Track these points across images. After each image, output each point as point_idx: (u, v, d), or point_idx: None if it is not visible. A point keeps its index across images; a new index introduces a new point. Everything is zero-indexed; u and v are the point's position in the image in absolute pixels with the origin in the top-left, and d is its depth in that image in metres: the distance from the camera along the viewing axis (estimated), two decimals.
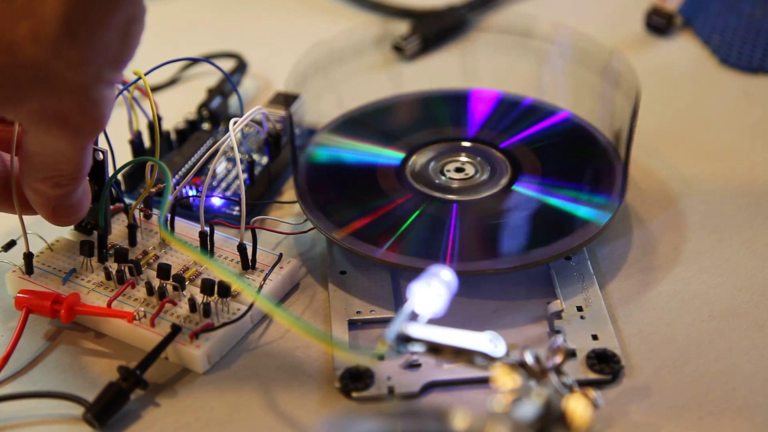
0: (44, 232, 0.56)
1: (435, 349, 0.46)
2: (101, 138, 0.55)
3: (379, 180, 0.59)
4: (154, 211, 0.58)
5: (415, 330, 0.46)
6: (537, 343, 0.51)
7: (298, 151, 0.61)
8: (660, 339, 0.52)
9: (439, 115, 0.64)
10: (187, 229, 0.58)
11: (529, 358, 0.46)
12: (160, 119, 0.61)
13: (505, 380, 0.45)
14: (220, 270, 0.48)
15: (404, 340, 0.45)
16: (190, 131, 0.65)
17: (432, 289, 0.47)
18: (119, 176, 0.58)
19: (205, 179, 0.56)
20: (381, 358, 0.50)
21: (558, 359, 0.46)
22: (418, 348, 0.46)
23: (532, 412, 0.43)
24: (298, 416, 0.49)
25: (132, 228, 0.56)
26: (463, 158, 0.60)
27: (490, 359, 0.46)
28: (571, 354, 0.50)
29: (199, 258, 0.54)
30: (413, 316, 0.47)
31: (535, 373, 0.45)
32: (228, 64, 0.71)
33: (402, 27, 0.76)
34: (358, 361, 0.50)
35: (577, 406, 0.44)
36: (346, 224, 0.56)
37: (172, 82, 0.72)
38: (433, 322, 0.48)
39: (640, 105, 0.57)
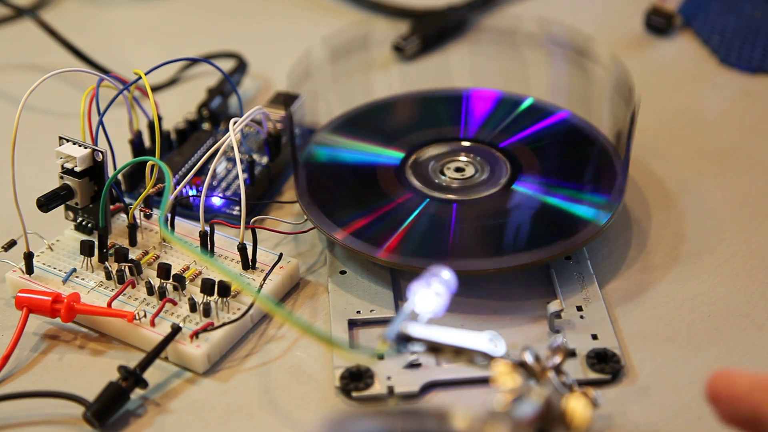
0: (44, 232, 0.57)
1: (435, 348, 0.46)
2: (101, 138, 0.56)
3: (379, 180, 0.59)
4: (155, 210, 0.58)
5: (415, 329, 0.46)
6: (537, 342, 0.51)
7: (298, 150, 0.61)
8: (660, 339, 0.52)
9: (439, 115, 0.64)
10: (188, 229, 0.58)
11: (528, 358, 0.46)
12: (160, 119, 0.61)
13: (505, 379, 0.45)
14: (220, 269, 0.48)
15: (404, 339, 0.45)
16: (190, 131, 0.65)
17: (432, 289, 0.47)
18: (119, 176, 0.59)
19: (205, 179, 0.56)
20: (381, 357, 0.50)
21: (558, 359, 0.46)
22: (418, 347, 0.46)
23: (532, 411, 0.43)
24: (298, 416, 0.49)
25: (132, 228, 0.56)
26: (463, 158, 0.60)
27: (489, 358, 0.46)
28: (571, 354, 0.50)
29: (199, 257, 0.54)
30: (413, 316, 0.47)
31: (535, 372, 0.45)
32: (228, 64, 0.71)
33: (402, 27, 0.76)
34: (358, 361, 0.50)
35: (577, 406, 0.44)
36: (346, 224, 0.56)
37: (172, 82, 0.72)
38: (432, 321, 0.48)
39: (640, 105, 0.57)
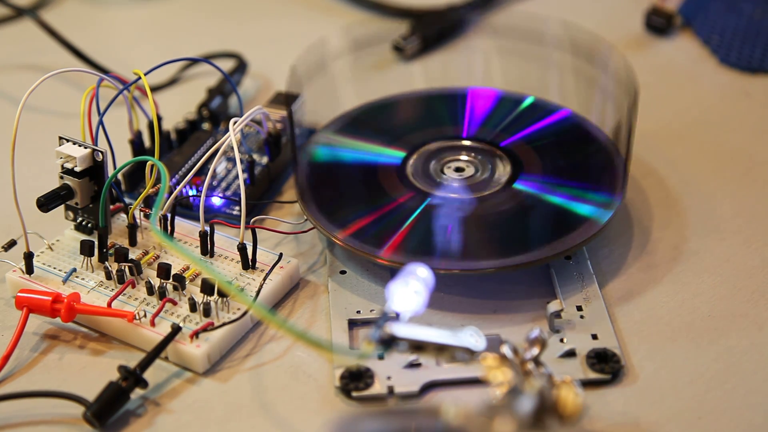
0: (44, 232, 0.57)
1: (418, 347, 0.46)
2: (101, 138, 0.56)
3: (379, 179, 0.59)
4: None
5: (399, 329, 0.46)
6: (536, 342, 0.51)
7: (299, 150, 0.61)
8: (660, 339, 0.52)
9: (440, 114, 0.64)
10: (188, 229, 0.58)
11: (507, 351, 0.46)
12: (160, 119, 0.61)
13: (495, 374, 0.45)
14: (209, 272, 0.48)
15: (389, 339, 0.46)
16: (190, 131, 0.65)
17: (410, 288, 0.48)
18: (119, 176, 0.59)
19: (205, 179, 0.56)
20: (381, 357, 0.50)
21: (536, 350, 0.46)
22: (402, 347, 0.46)
23: (532, 404, 0.43)
24: (299, 416, 0.49)
25: (132, 228, 0.56)
26: (464, 157, 0.60)
27: (471, 353, 0.46)
28: (570, 354, 0.50)
29: (191, 261, 0.54)
30: (396, 316, 0.47)
31: (515, 365, 0.46)
32: (228, 64, 0.71)
33: (402, 27, 0.76)
34: (355, 362, 0.50)
35: (568, 395, 0.44)
36: (347, 224, 0.56)
37: (172, 82, 0.72)
38: (430, 320, 0.48)
39: (639, 104, 0.57)
